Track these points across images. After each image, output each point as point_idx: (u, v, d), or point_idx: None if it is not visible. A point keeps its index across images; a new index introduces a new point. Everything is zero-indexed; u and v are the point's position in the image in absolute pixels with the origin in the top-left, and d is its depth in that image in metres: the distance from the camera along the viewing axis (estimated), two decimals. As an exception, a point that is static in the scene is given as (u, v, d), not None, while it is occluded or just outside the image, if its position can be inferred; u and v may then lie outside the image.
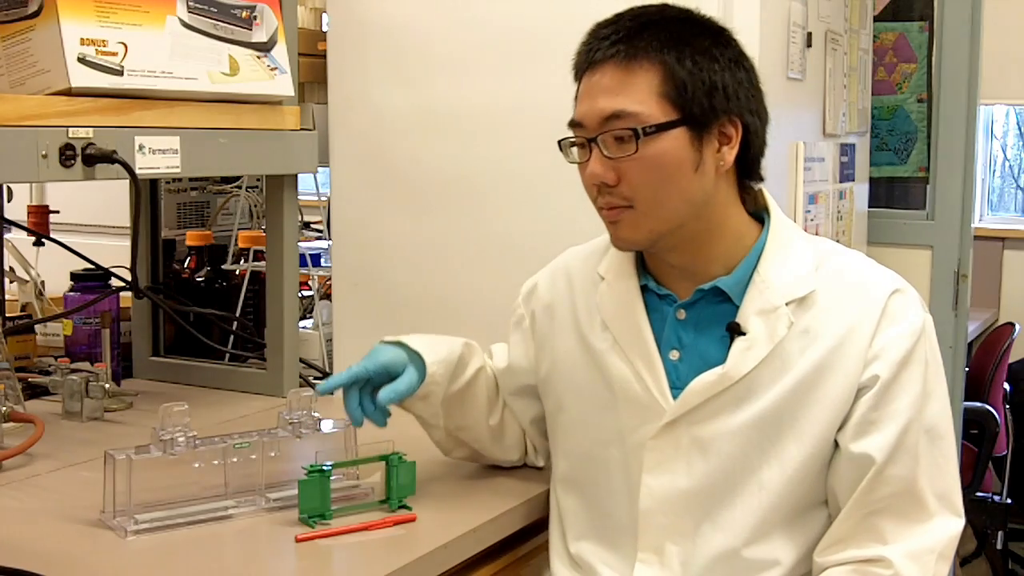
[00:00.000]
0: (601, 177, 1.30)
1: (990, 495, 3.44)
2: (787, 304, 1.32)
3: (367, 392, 1.46)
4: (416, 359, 1.46)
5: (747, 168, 1.36)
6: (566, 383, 1.45)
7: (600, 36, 1.32)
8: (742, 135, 1.32)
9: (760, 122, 1.35)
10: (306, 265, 2.12)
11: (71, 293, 2.10)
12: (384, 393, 1.42)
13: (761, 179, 1.39)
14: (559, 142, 1.36)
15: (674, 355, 1.36)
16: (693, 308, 1.36)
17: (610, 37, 1.31)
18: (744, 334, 1.32)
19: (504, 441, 1.57)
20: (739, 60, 1.33)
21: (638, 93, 1.28)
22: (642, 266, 1.41)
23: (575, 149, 1.34)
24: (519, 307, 1.55)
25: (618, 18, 1.33)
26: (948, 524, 1.31)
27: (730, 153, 1.32)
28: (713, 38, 1.32)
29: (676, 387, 1.35)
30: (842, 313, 1.31)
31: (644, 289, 1.39)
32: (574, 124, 1.33)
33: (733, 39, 1.34)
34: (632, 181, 1.29)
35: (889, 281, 1.34)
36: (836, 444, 1.31)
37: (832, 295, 1.33)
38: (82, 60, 1.51)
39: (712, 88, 1.29)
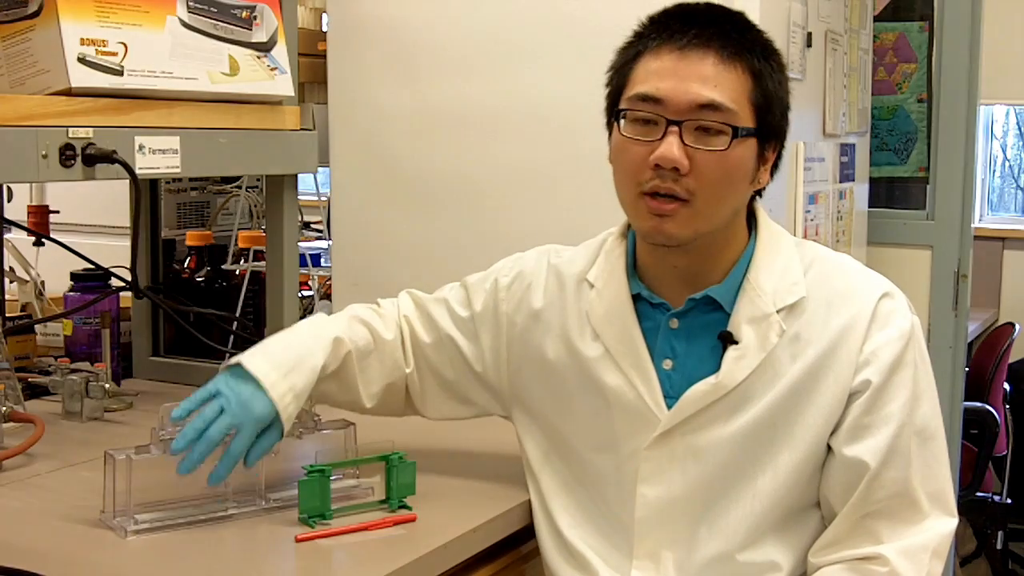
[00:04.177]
0: (677, 162, 1.26)
1: (990, 495, 3.44)
2: (778, 311, 1.32)
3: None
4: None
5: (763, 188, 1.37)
6: (555, 389, 1.44)
7: (696, 22, 1.29)
8: (775, 158, 1.35)
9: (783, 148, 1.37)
10: (306, 265, 2.13)
11: (71, 293, 2.10)
12: (251, 458, 1.37)
13: (759, 196, 1.40)
14: (618, 111, 1.31)
15: (667, 364, 1.36)
16: (685, 317, 1.36)
17: (709, 26, 1.28)
18: (736, 343, 1.32)
19: (381, 406, 1.55)
20: (788, 85, 1.36)
21: (732, 92, 1.27)
22: (633, 273, 1.40)
23: (627, 122, 1.30)
24: (500, 289, 1.50)
25: (709, 10, 1.31)
26: (942, 523, 1.31)
27: (765, 174, 1.34)
28: (779, 58, 1.34)
29: (670, 396, 1.35)
30: (832, 319, 1.31)
31: (636, 298, 1.39)
32: (646, 99, 1.28)
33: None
34: (704, 176, 1.27)
35: (877, 285, 1.35)
36: (828, 448, 1.32)
37: (821, 301, 1.33)
38: (82, 60, 1.51)
39: (785, 108, 1.32)
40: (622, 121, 1.30)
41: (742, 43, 1.29)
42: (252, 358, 1.40)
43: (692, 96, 1.26)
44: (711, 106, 1.26)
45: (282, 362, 1.40)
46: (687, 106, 1.26)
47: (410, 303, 1.58)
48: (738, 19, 1.32)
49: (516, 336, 1.48)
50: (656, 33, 1.31)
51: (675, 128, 1.26)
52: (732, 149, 1.27)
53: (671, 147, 1.26)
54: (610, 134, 1.36)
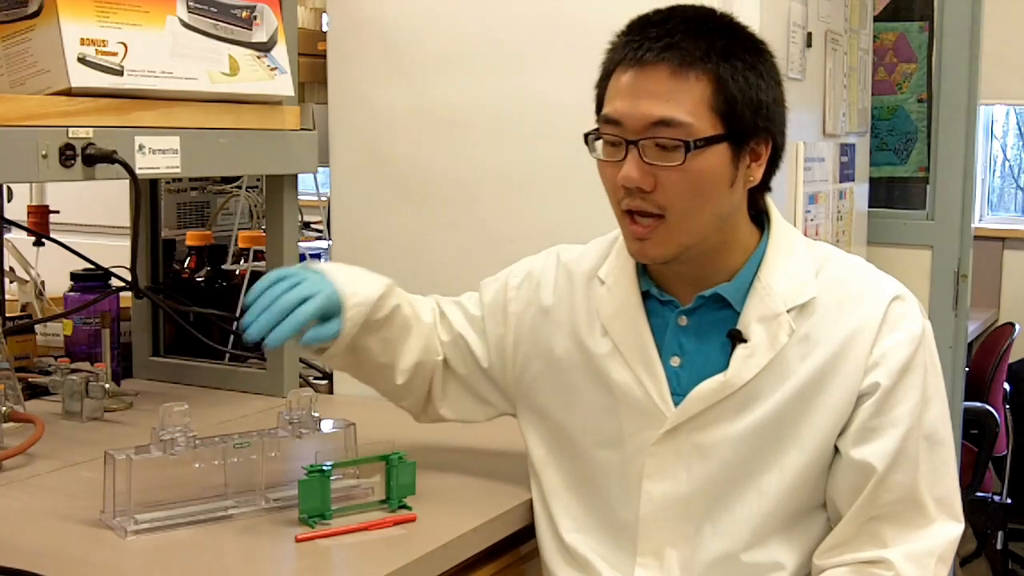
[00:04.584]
0: (638, 182, 1.27)
1: (990, 495, 3.44)
2: (788, 311, 1.32)
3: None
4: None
5: (764, 183, 1.36)
6: (563, 385, 1.44)
7: (649, 36, 1.28)
8: (770, 154, 1.33)
9: (783, 140, 1.35)
10: (306, 265, 2.12)
11: (71, 293, 2.10)
12: (307, 337, 1.39)
13: (770, 190, 1.39)
14: (585, 135, 1.33)
15: (675, 361, 1.36)
16: (694, 314, 1.36)
17: (662, 38, 1.27)
18: (745, 341, 1.32)
19: (407, 388, 1.54)
20: (776, 77, 1.33)
21: (688, 103, 1.25)
22: (643, 271, 1.40)
23: (600, 144, 1.32)
24: (509, 288, 1.51)
25: (666, 19, 1.30)
26: (948, 528, 1.31)
27: (758, 171, 1.32)
28: (756, 53, 1.31)
29: (677, 394, 1.35)
30: (842, 320, 1.31)
31: (646, 295, 1.39)
32: (608, 121, 1.30)
33: (771, 54, 1.34)
34: (669, 191, 1.27)
35: (889, 287, 1.34)
36: (836, 450, 1.31)
37: (832, 302, 1.32)
38: (82, 60, 1.51)
39: (758, 106, 1.29)
40: (597, 143, 1.32)
41: (696, 50, 1.26)
42: (321, 262, 1.43)
43: (644, 114, 1.26)
44: (663, 122, 1.25)
45: (347, 273, 1.45)
46: (641, 125, 1.26)
47: (433, 302, 1.60)
48: (697, 22, 1.29)
49: (524, 333, 1.49)
50: (622, 48, 1.30)
51: (633, 148, 1.27)
52: (690, 162, 1.26)
53: (630, 168, 1.27)
54: None
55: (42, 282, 2.25)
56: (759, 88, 1.29)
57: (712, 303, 1.35)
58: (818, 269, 1.35)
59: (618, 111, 1.28)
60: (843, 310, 1.32)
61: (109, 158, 1.52)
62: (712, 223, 1.31)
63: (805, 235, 1.95)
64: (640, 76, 1.27)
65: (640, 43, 1.28)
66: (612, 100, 1.30)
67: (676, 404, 1.34)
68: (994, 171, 4.92)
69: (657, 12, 1.32)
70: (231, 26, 1.73)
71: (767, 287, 1.33)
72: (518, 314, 1.50)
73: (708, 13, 1.32)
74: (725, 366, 1.32)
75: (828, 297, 1.33)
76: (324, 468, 1.38)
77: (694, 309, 1.36)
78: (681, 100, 1.25)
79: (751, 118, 1.28)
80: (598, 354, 1.40)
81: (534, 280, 1.50)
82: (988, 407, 3.38)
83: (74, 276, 2.11)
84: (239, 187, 2.35)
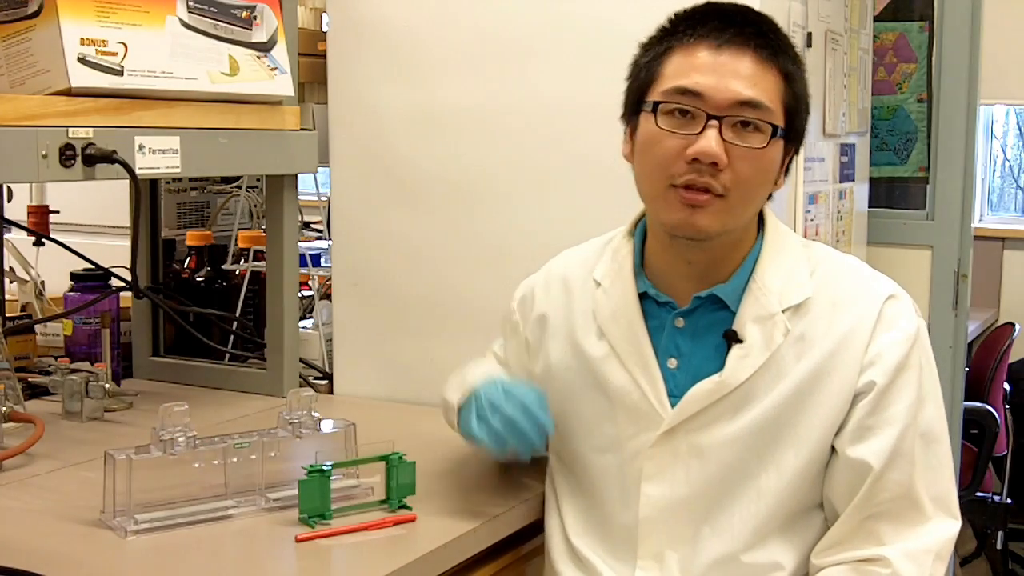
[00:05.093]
0: (717, 156, 1.26)
1: (990, 495, 3.44)
2: (783, 311, 1.32)
3: None
4: None
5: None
6: (561, 389, 1.44)
7: (730, 21, 1.29)
8: (789, 162, 1.36)
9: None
10: (306, 265, 2.12)
11: (71, 293, 2.10)
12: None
13: (771, 198, 1.40)
14: (655, 103, 1.30)
15: (672, 363, 1.36)
16: (691, 316, 1.36)
17: (745, 26, 1.29)
18: (741, 341, 1.32)
19: None
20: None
21: (770, 92, 1.28)
22: (640, 272, 1.40)
23: (662, 115, 1.29)
24: (514, 312, 1.54)
25: (738, 10, 1.31)
26: (945, 526, 1.31)
27: (782, 177, 1.36)
28: (803, 64, 1.35)
29: (674, 395, 1.35)
30: (837, 320, 1.31)
31: (643, 296, 1.39)
32: (686, 92, 1.28)
33: None
34: (740, 172, 1.27)
35: (883, 287, 1.35)
36: (833, 449, 1.32)
37: (827, 301, 1.33)
38: (82, 60, 1.51)
39: (807, 112, 1.34)
40: (656, 114, 1.30)
41: (776, 45, 1.30)
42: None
43: (733, 93, 1.27)
44: (751, 104, 1.27)
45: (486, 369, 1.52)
46: (728, 102, 1.27)
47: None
48: (769, 21, 1.33)
49: (522, 348, 1.51)
50: (690, 30, 1.30)
51: (715, 123, 1.26)
52: (768, 148, 1.28)
53: (711, 141, 1.26)
54: (632, 130, 1.35)
55: (42, 282, 2.25)
56: (808, 96, 1.34)
57: (709, 304, 1.35)
58: (813, 269, 1.36)
59: (702, 85, 1.27)
60: (838, 310, 1.32)
61: (109, 158, 1.52)
62: (752, 213, 1.33)
63: (805, 235, 1.96)
64: (722, 56, 1.28)
65: (723, 27, 1.29)
66: (687, 74, 1.28)
67: (673, 406, 1.34)
68: (994, 171, 4.92)
69: (722, 4, 1.33)
70: (231, 26, 1.73)
71: (762, 287, 1.33)
72: (524, 330, 1.51)
73: (770, 17, 1.34)
74: (721, 367, 1.32)
75: (823, 297, 1.33)
76: (324, 468, 1.38)
77: (691, 311, 1.36)
78: (766, 87, 1.28)
79: (803, 122, 1.33)
80: (595, 357, 1.40)
81: (532, 294, 1.51)
82: (988, 407, 3.38)
83: (74, 276, 2.11)
84: (239, 187, 2.35)
